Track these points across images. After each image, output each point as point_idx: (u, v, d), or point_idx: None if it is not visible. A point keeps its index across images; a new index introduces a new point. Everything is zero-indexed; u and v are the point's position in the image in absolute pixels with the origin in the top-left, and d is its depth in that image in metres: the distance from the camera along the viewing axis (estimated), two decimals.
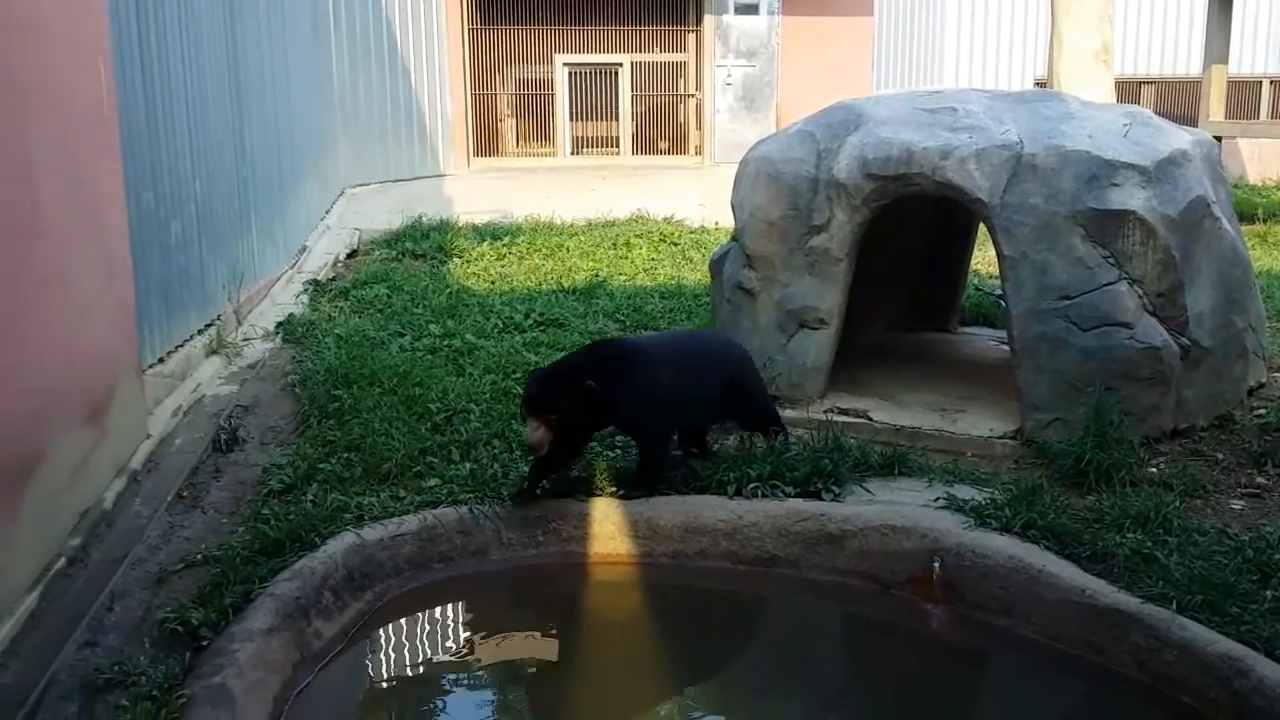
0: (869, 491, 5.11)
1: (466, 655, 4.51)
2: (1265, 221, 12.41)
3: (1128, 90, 17.37)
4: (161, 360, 6.44)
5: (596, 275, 9.66)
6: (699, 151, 18.89)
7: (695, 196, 13.53)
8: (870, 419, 6.01)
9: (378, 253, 10.88)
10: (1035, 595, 4.32)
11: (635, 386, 4.91)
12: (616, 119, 18.87)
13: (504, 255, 10.63)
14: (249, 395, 6.65)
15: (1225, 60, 13.82)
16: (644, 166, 17.95)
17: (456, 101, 17.57)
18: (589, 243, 11.13)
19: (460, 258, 10.53)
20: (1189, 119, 13.91)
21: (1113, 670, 4.06)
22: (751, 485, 5.05)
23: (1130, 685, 3.99)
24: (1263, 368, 6.36)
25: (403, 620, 4.58)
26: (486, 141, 18.59)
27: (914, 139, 5.86)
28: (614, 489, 5.06)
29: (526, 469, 5.09)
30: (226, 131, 8.18)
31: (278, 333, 7.99)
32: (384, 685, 4.27)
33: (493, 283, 9.56)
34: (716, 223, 11.70)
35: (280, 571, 4.25)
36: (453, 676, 4.33)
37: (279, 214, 9.93)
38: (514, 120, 19.12)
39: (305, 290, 9.35)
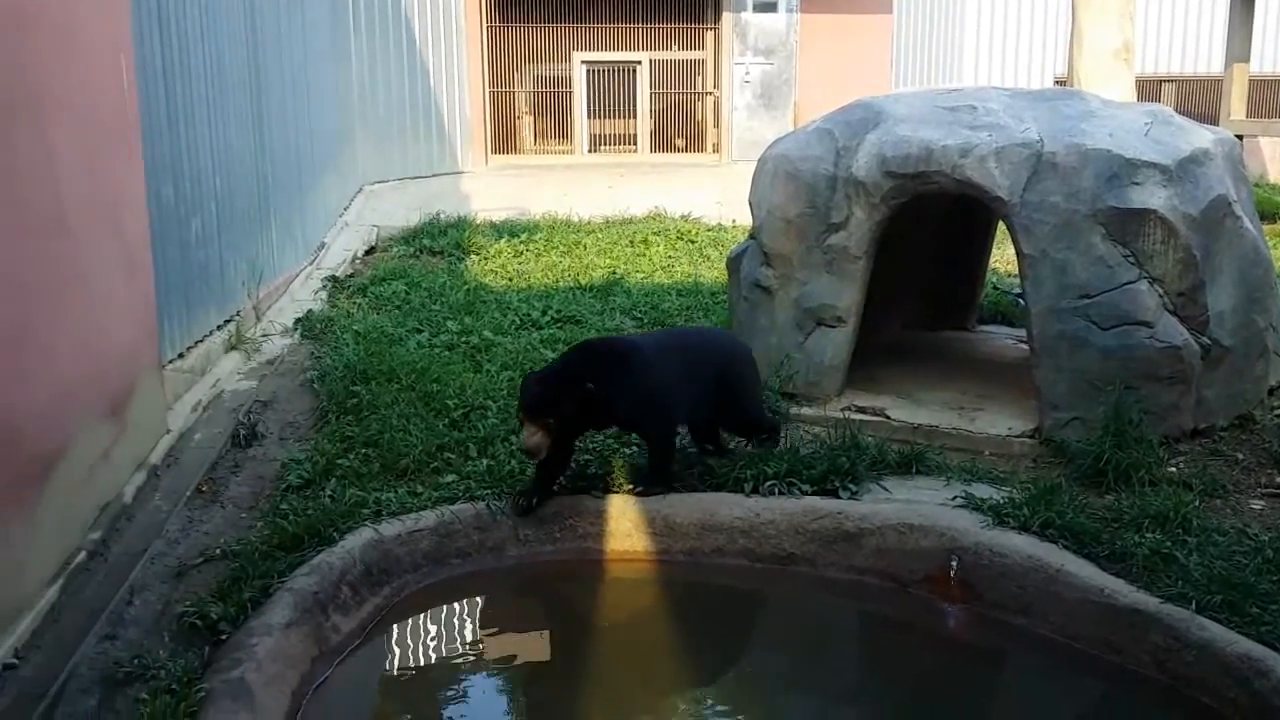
0: (886, 490, 5.10)
1: (483, 651, 4.52)
2: None
3: (1148, 89, 17.28)
4: (181, 356, 6.48)
5: (614, 273, 9.67)
6: (717, 149, 18.87)
7: (713, 194, 13.52)
8: (888, 417, 6.00)
9: (396, 249, 10.91)
10: (1053, 594, 4.30)
11: (634, 384, 4.88)
12: (634, 117, 18.88)
13: (521, 252, 10.64)
14: (268, 391, 6.68)
15: (1247, 59, 13.71)
16: (662, 164, 17.95)
17: (474, 99, 17.61)
18: (606, 240, 11.13)
19: (478, 255, 10.55)
20: (1210, 118, 13.83)
21: (1131, 670, 4.04)
22: (768, 483, 5.04)
23: (1149, 685, 3.97)
24: None
25: (420, 616, 4.59)
26: (504, 139, 18.62)
27: (933, 137, 5.84)
28: (630, 486, 5.06)
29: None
30: (246, 128, 8.21)
31: (296, 329, 8.02)
32: (401, 680, 4.28)
33: (510, 280, 9.58)
34: (734, 220, 11.69)
35: (299, 566, 4.27)
36: (469, 672, 4.34)
37: (298, 211, 9.97)
38: (532, 118, 19.14)
39: (324, 287, 9.38)
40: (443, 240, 10.95)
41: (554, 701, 4.10)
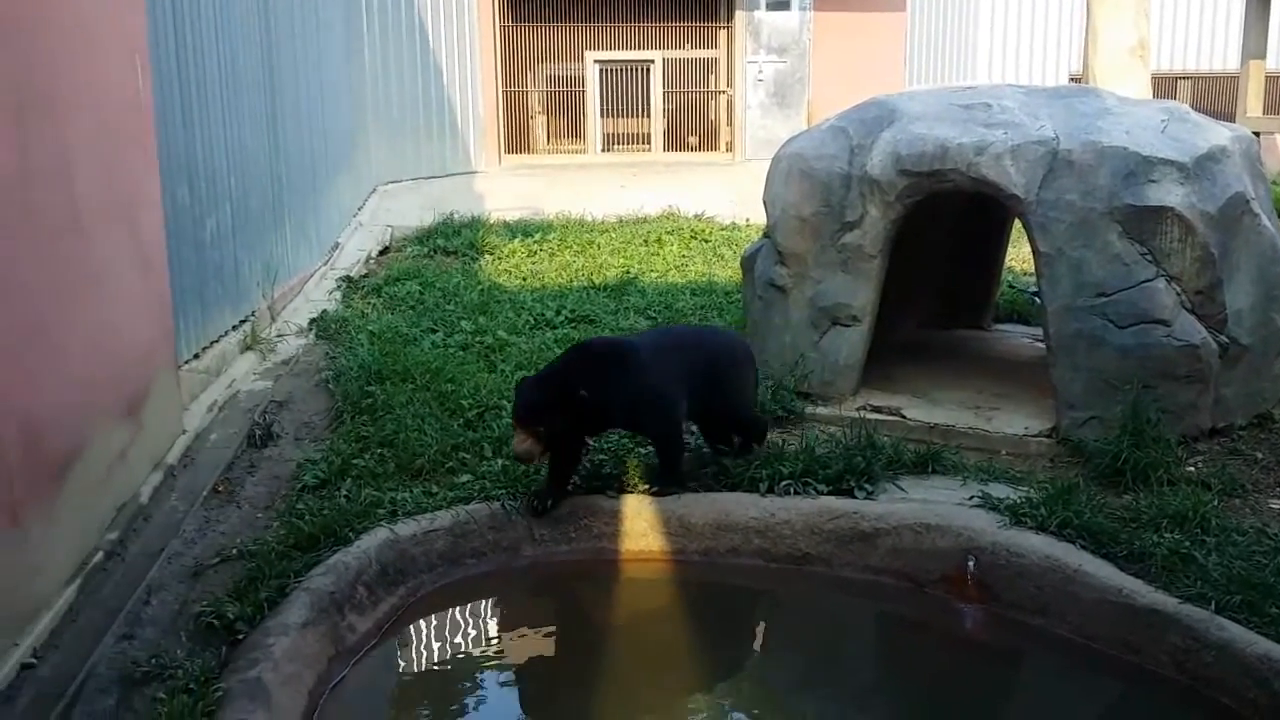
0: (902, 489, 5.08)
1: (499, 651, 4.52)
2: None
3: (1164, 86, 17.20)
4: (197, 356, 6.50)
5: (627, 272, 9.67)
6: (730, 148, 18.85)
7: (726, 193, 13.51)
8: (903, 416, 5.98)
9: (410, 249, 10.93)
10: (1071, 595, 4.28)
11: (632, 385, 4.84)
12: (648, 115, 18.86)
13: (535, 252, 10.65)
14: (283, 391, 6.70)
15: (1264, 55, 13.66)
16: (675, 163, 17.94)
17: (488, 98, 17.62)
18: (620, 239, 11.13)
19: (492, 254, 10.55)
20: (1227, 114, 13.76)
21: (1149, 670, 4.02)
22: (784, 483, 5.03)
23: (1167, 685, 3.95)
24: None
25: (436, 615, 4.60)
26: (518, 138, 18.62)
27: (948, 135, 5.82)
28: (646, 487, 5.05)
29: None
30: (261, 128, 8.23)
31: (311, 329, 8.05)
32: (417, 680, 4.28)
33: (524, 279, 9.58)
34: (748, 219, 11.68)
35: (315, 566, 4.28)
36: (485, 672, 4.34)
37: (312, 211, 10.00)
38: (545, 117, 19.15)
39: (338, 287, 9.41)
40: (456, 240, 10.96)
41: (569, 701, 4.10)
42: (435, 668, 4.35)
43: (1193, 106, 6.38)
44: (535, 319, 8.03)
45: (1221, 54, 18.93)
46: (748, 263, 6.86)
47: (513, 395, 4.90)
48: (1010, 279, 8.69)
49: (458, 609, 4.69)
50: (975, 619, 4.51)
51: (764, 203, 6.58)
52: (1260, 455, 5.44)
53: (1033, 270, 6.19)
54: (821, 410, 6.10)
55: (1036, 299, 6.86)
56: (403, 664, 4.35)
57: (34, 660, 3.76)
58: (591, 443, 5.24)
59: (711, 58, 19.08)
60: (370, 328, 7.70)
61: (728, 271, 9.62)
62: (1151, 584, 4.18)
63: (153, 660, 3.73)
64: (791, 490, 5.00)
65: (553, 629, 4.81)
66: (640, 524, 4.93)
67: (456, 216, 11.93)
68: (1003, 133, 5.72)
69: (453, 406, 5.96)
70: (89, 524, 4.50)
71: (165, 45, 6.07)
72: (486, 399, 6.05)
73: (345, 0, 13.03)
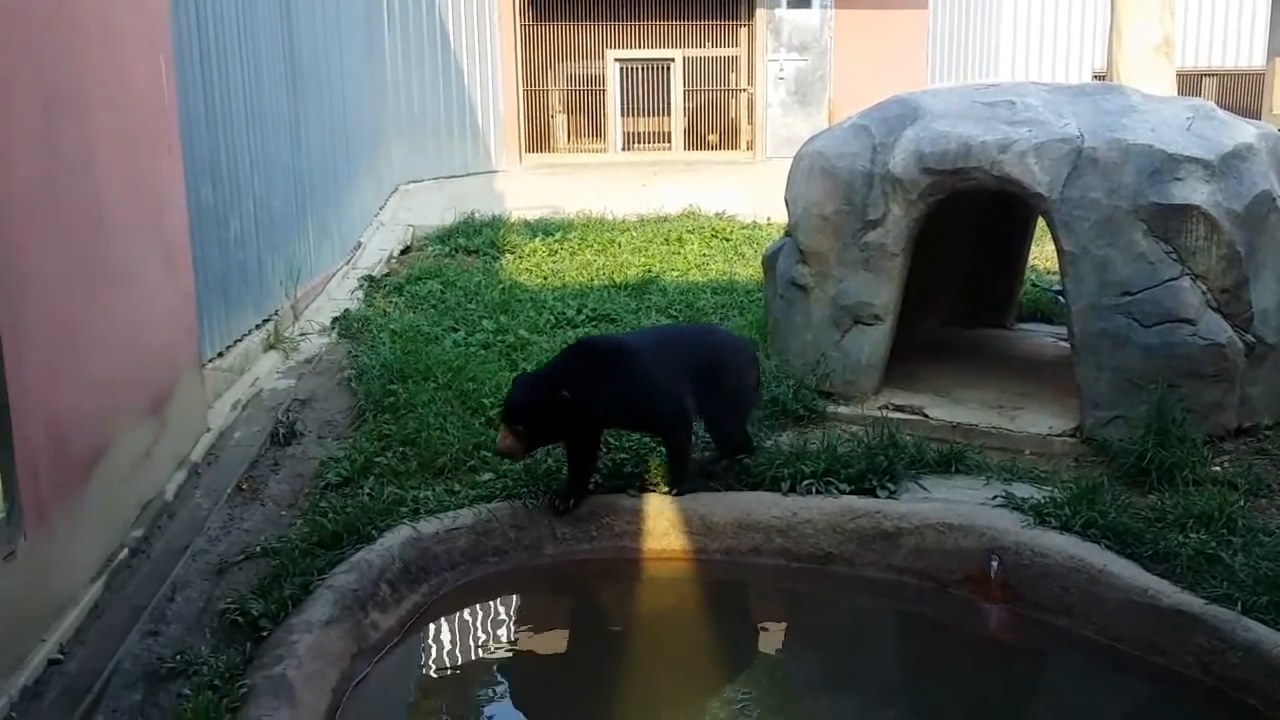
0: (925, 489, 5.06)
1: (521, 649, 4.53)
2: None
3: (1189, 83, 17.07)
4: (221, 354, 6.53)
5: (648, 271, 9.66)
6: (751, 146, 18.82)
7: (747, 192, 13.49)
8: (926, 416, 5.96)
9: (431, 249, 10.96)
10: (1096, 595, 4.26)
11: (623, 385, 4.78)
12: (668, 114, 18.85)
13: (556, 251, 10.66)
14: (306, 389, 6.73)
15: None
16: (696, 162, 17.92)
17: (508, 98, 17.64)
18: (641, 238, 11.13)
19: (512, 253, 10.57)
20: (1252, 112, 13.66)
21: (1175, 671, 3.99)
22: (805, 482, 5.02)
23: (1193, 686, 3.93)
24: None
25: (458, 613, 4.61)
26: (538, 137, 18.65)
27: (971, 133, 5.79)
28: (667, 487, 5.04)
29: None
30: (283, 128, 8.27)
31: (333, 328, 8.08)
32: (440, 678, 4.29)
33: (545, 278, 9.59)
34: (769, 218, 11.66)
35: (338, 564, 4.29)
36: (507, 670, 4.35)
37: (334, 210, 10.03)
38: (566, 116, 19.16)
39: (360, 286, 9.44)
40: (477, 239, 10.99)
41: (591, 700, 4.10)
42: (458, 665, 4.36)
43: (1218, 103, 6.32)
44: (556, 318, 8.04)
45: (1247, 51, 18.78)
46: (769, 261, 6.84)
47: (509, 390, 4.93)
48: (1034, 277, 8.65)
49: (480, 607, 4.70)
50: (999, 619, 4.49)
51: (785, 201, 6.57)
52: None
53: (1056, 269, 6.16)
54: (843, 409, 6.08)
55: (1060, 298, 6.82)
56: (425, 661, 4.36)
57: (61, 656, 3.79)
58: (602, 440, 5.21)
59: (732, 56, 19.05)
60: (392, 326, 7.73)
61: (749, 270, 9.61)
62: (1177, 584, 4.15)
63: (178, 656, 3.76)
64: (814, 489, 4.99)
65: (574, 627, 4.82)
66: (662, 523, 4.93)
67: (477, 215, 11.95)
68: (1027, 130, 5.69)
69: (474, 405, 5.97)
70: (114, 521, 4.53)
71: (189, 45, 6.10)
72: None
73: (366, 0, 13.07)
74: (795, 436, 5.63)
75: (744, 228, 11.72)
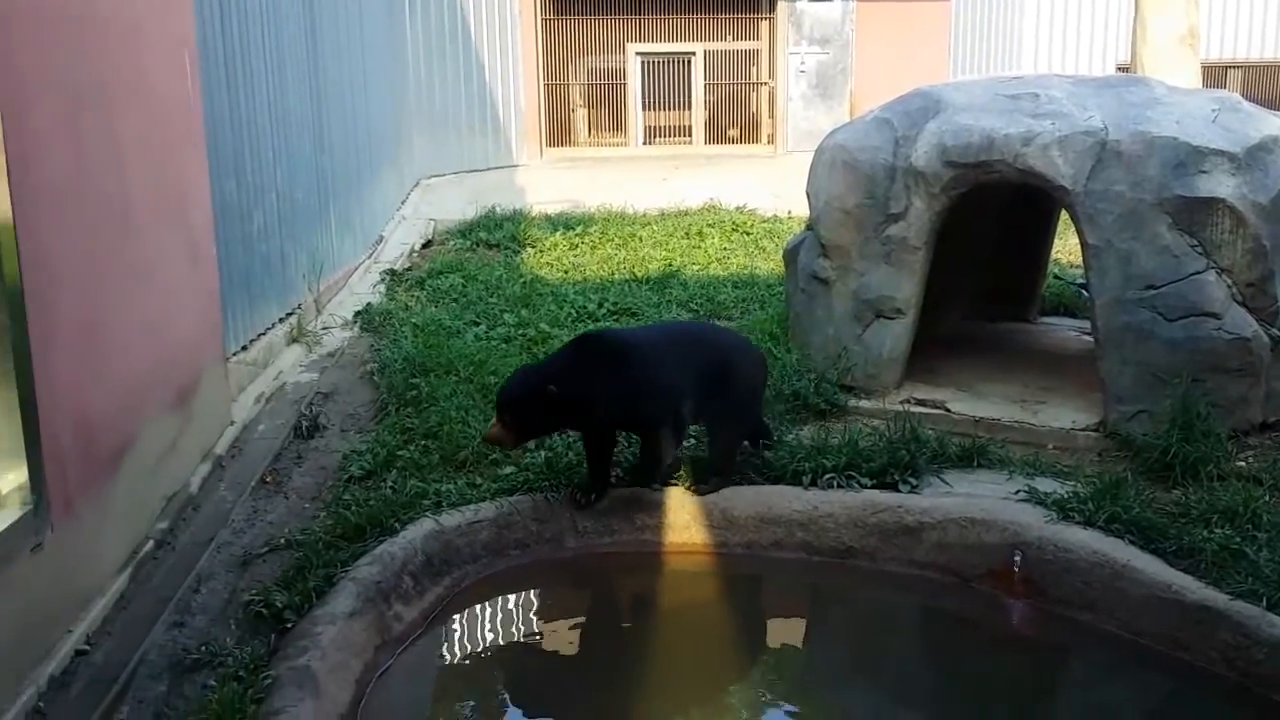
0: (947, 483, 5.05)
1: (542, 641, 4.55)
2: None
3: (1214, 75, 16.94)
4: (245, 348, 6.58)
5: (669, 265, 9.67)
6: (771, 140, 18.80)
7: (768, 185, 13.48)
8: (948, 410, 5.94)
9: (452, 243, 11.00)
10: (1119, 590, 4.23)
11: (618, 382, 4.70)
12: (689, 108, 18.86)
13: (577, 245, 10.67)
14: (329, 383, 6.76)
15: None
16: (716, 155, 17.92)
17: (529, 92, 17.68)
18: (661, 232, 11.13)
19: (533, 247, 10.59)
20: (1278, 104, 13.53)
21: (1199, 667, 3.97)
22: (827, 476, 5.01)
23: (1218, 682, 3.90)
24: None
25: (480, 605, 4.62)
26: (559, 132, 18.68)
27: (995, 125, 5.77)
28: (689, 484, 5.04)
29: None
30: (306, 122, 8.31)
31: (356, 322, 8.12)
32: (462, 669, 4.31)
33: (566, 272, 9.61)
34: (789, 211, 11.65)
35: (361, 556, 4.32)
36: (529, 662, 4.37)
37: (357, 204, 10.08)
38: (586, 110, 19.20)
39: (382, 280, 9.48)
40: (499, 233, 11.02)
41: (611, 692, 4.12)
42: (480, 657, 4.37)
43: (1243, 95, 6.27)
44: (577, 312, 8.05)
45: (1273, 42, 18.61)
46: (790, 255, 6.84)
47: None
48: (1057, 271, 8.60)
49: (502, 599, 4.72)
50: (1021, 615, 4.48)
51: (807, 195, 6.55)
52: None
53: (1080, 262, 6.12)
54: (865, 403, 6.07)
55: (1084, 291, 6.79)
56: (448, 654, 4.38)
57: (87, 647, 3.82)
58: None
59: (753, 49, 19.03)
60: (414, 320, 7.76)
61: (770, 264, 9.60)
62: (1201, 580, 4.12)
63: (203, 648, 3.79)
64: (835, 483, 4.98)
65: (595, 620, 4.83)
66: (683, 516, 4.94)
67: (498, 210, 11.99)
68: (1050, 123, 5.67)
69: (496, 398, 5.98)
70: (140, 514, 4.57)
71: (213, 42, 6.14)
72: None
73: None
74: (816, 430, 5.62)
75: (765, 221, 11.71)
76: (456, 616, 4.50)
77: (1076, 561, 4.37)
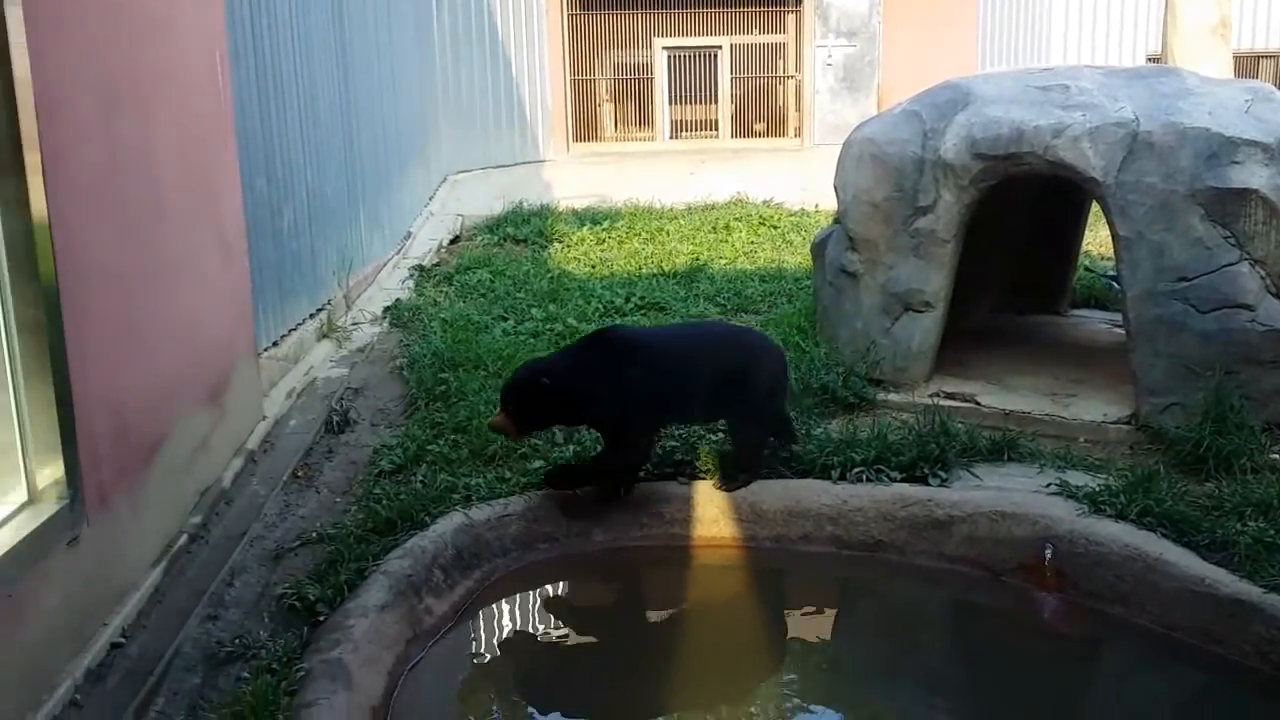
0: (977, 477, 5.03)
1: (572, 634, 4.56)
2: None
3: (1246, 65, 16.75)
4: (275, 344, 6.62)
5: (696, 259, 9.66)
6: (798, 133, 18.73)
7: (795, 179, 13.43)
8: (978, 403, 5.92)
9: (480, 238, 11.03)
10: (1151, 584, 4.21)
11: (603, 383, 4.69)
12: (715, 102, 18.82)
13: (604, 240, 10.68)
14: (359, 378, 6.80)
15: None
16: (743, 149, 17.88)
17: (556, 87, 17.69)
18: (688, 226, 11.13)
19: (560, 242, 10.61)
20: None
21: (1233, 661, 3.95)
22: (856, 469, 5.01)
23: (1251, 676, 3.88)
24: None
25: (510, 599, 4.65)
26: (585, 127, 18.68)
27: (1024, 117, 5.73)
28: (716, 480, 5.04)
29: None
30: (335, 119, 8.35)
31: (385, 317, 8.16)
32: (492, 662, 4.33)
33: (593, 267, 9.62)
34: (816, 205, 11.61)
35: (392, 550, 4.35)
36: (559, 655, 4.39)
37: (385, 200, 10.12)
38: (613, 105, 19.19)
39: (411, 275, 9.53)
40: (526, 228, 11.04)
41: (641, 685, 4.13)
42: (510, 651, 4.39)
43: (1276, 86, 6.20)
44: (605, 306, 8.06)
45: None
46: (818, 249, 6.82)
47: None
48: (1088, 263, 8.54)
49: (531, 593, 4.74)
50: (1052, 608, 4.46)
51: (835, 188, 6.53)
52: None
53: (1111, 254, 6.08)
54: (893, 397, 6.05)
55: (1115, 284, 6.74)
56: (478, 647, 4.40)
57: (123, 640, 3.86)
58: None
59: (779, 43, 18.97)
60: (442, 315, 7.79)
61: (797, 258, 9.58)
62: (1235, 573, 4.10)
63: (236, 640, 3.83)
64: (864, 477, 4.98)
65: (624, 613, 4.84)
66: (711, 510, 4.94)
67: (525, 205, 12.01)
68: (1081, 114, 5.62)
69: None
70: (174, 508, 4.61)
71: (244, 38, 6.18)
72: None
73: None
74: (845, 424, 5.61)
75: (792, 215, 11.68)
76: (486, 610, 4.53)
77: (1108, 555, 4.35)
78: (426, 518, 4.63)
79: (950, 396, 5.99)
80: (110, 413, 3.98)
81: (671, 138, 18.85)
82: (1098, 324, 7.44)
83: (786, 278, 8.87)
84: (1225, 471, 4.93)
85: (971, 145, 5.81)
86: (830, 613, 4.96)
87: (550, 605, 4.78)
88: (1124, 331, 5.72)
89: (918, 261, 6.07)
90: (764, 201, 12.32)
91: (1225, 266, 5.30)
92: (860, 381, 6.07)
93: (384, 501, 4.78)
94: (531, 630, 4.58)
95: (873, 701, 4.13)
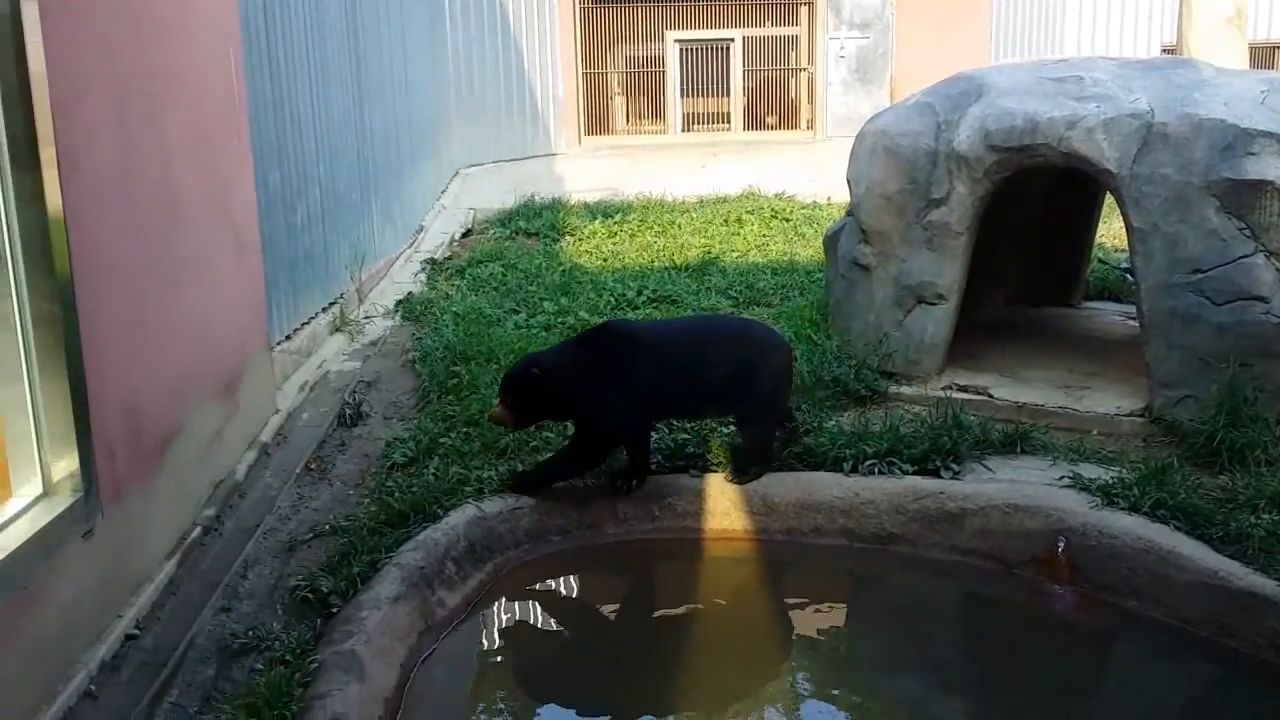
0: (990, 469, 5.02)
1: (583, 626, 4.57)
2: None
3: (1262, 55, 16.65)
4: (289, 337, 6.64)
5: (708, 252, 9.65)
6: (811, 126, 18.70)
7: (807, 171, 13.41)
8: (990, 396, 5.90)
9: (492, 231, 11.04)
10: (1165, 577, 4.20)
11: (587, 376, 4.70)
12: (728, 95, 18.79)
13: (616, 233, 10.67)
14: (371, 371, 6.82)
15: None
16: (755, 142, 17.85)
17: (568, 80, 17.68)
18: (700, 219, 11.11)
19: (572, 236, 10.61)
20: None
21: (1246, 654, 3.93)
22: (868, 462, 5.00)
23: (1265, 669, 3.87)
24: None
25: (522, 591, 4.65)
26: (597, 120, 18.67)
27: (1038, 109, 5.70)
28: (727, 474, 5.04)
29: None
30: (348, 114, 8.36)
31: (397, 311, 8.18)
32: (505, 654, 4.34)
33: (605, 260, 9.61)
34: (829, 198, 11.59)
35: (405, 542, 4.36)
36: (570, 649, 4.40)
37: (398, 194, 10.14)
38: (625, 98, 19.18)
39: (423, 269, 9.54)
40: (538, 222, 11.04)
41: (653, 677, 4.13)
42: (522, 643, 4.40)
43: None
44: (617, 300, 8.06)
45: None
46: (830, 241, 6.81)
47: None
48: (1101, 255, 8.51)
49: (543, 585, 4.75)
50: (1065, 601, 4.45)
51: (847, 180, 6.52)
52: None
53: (1124, 246, 6.05)
54: (906, 390, 6.04)
55: (1129, 276, 6.71)
56: (490, 639, 4.42)
57: (137, 631, 3.89)
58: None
59: (792, 35, 18.92)
60: (454, 309, 7.80)
61: (809, 251, 9.56)
62: (1249, 566, 4.08)
63: (250, 632, 3.85)
64: (876, 470, 4.97)
65: (636, 606, 4.84)
66: (723, 503, 4.95)
67: (537, 198, 12.01)
68: (1095, 106, 5.60)
69: None
70: (188, 500, 4.64)
71: (257, 36, 6.19)
72: None
73: None
74: (857, 417, 5.61)
75: (804, 208, 11.66)
76: (498, 602, 4.54)
77: (1121, 548, 4.34)
78: (439, 510, 4.64)
79: (963, 389, 5.98)
80: (124, 406, 4.00)
81: (683, 130, 18.83)
82: (1111, 316, 7.42)
83: (799, 270, 8.85)
84: (1239, 464, 4.91)
85: (985, 137, 5.79)
86: (842, 605, 4.95)
87: (562, 598, 4.79)
88: (1138, 324, 5.70)
89: (931, 254, 6.06)
90: (776, 194, 12.30)
91: (1240, 258, 5.27)
92: (873, 374, 6.07)
93: (396, 494, 4.79)
94: (543, 623, 4.59)
95: (885, 694, 4.12)
